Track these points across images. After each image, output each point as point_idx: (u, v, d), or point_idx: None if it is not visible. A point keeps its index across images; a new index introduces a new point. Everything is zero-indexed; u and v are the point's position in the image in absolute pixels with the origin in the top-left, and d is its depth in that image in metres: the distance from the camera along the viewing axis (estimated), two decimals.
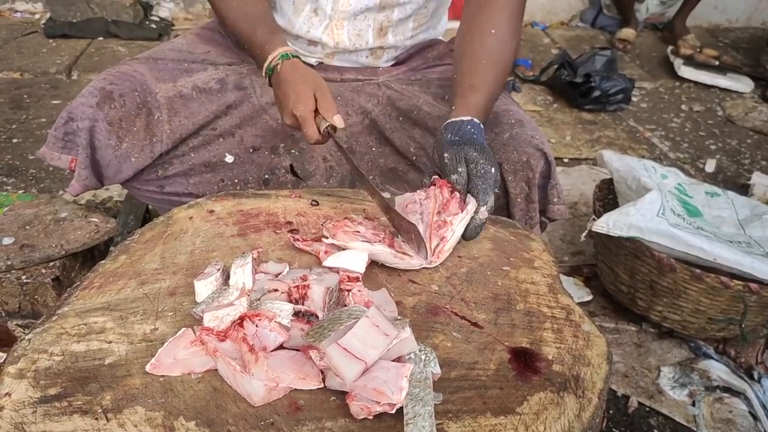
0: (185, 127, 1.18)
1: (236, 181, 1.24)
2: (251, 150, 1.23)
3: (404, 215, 0.85)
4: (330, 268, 0.78)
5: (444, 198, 0.86)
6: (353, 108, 1.24)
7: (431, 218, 0.84)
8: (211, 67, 1.22)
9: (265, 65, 1.07)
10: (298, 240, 0.86)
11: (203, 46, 1.27)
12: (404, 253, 0.82)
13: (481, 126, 0.97)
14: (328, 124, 0.98)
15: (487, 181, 0.87)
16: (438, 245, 0.82)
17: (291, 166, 1.24)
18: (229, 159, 1.22)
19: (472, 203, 0.86)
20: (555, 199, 1.10)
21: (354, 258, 0.79)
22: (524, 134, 1.07)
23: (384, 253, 0.81)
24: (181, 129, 1.18)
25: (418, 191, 0.89)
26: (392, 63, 1.28)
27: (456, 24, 1.13)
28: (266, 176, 1.24)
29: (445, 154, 0.90)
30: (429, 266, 0.83)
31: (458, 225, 0.83)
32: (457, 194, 0.87)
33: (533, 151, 1.06)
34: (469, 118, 0.96)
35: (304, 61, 1.08)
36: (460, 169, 0.88)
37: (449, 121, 0.97)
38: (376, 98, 1.23)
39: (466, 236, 0.87)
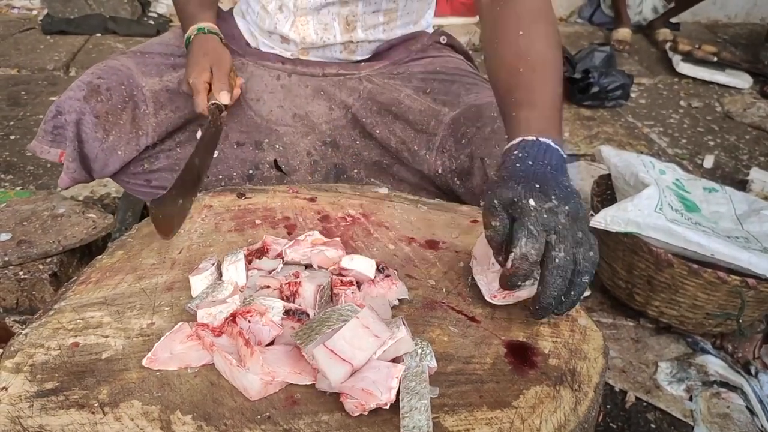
0: (171, 121, 1.20)
1: (220, 176, 1.25)
2: (235, 145, 1.24)
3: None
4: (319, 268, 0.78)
5: None
6: (335, 102, 1.24)
7: None
8: None
9: (186, 35, 1.18)
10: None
11: None
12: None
13: (542, 143, 0.74)
14: (213, 101, 1.07)
15: (528, 222, 0.65)
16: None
17: (275, 161, 1.24)
18: (215, 154, 1.23)
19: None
20: None
21: (365, 264, 0.75)
22: None
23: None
24: (167, 122, 1.20)
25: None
26: (369, 56, 1.26)
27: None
28: (250, 171, 1.25)
29: (482, 201, 0.72)
30: None
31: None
32: None
33: None
34: (518, 140, 0.75)
35: (225, 43, 1.19)
36: (494, 223, 0.68)
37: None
38: (357, 92, 1.23)
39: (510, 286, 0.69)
